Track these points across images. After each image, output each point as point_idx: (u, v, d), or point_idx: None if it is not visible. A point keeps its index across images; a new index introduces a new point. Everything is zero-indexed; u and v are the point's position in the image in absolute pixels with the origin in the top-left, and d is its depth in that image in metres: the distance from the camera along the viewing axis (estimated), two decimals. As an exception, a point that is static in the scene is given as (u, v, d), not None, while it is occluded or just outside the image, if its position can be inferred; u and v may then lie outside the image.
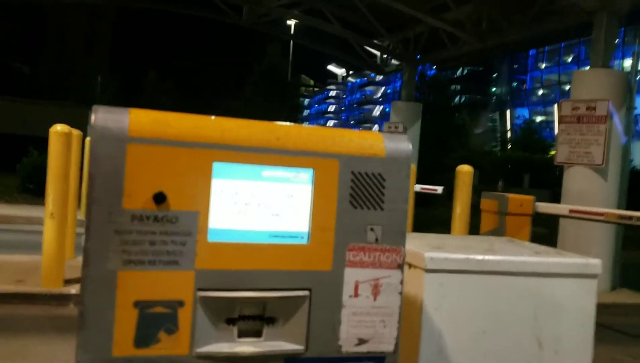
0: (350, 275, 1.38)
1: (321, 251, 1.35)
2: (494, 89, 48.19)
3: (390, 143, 1.42)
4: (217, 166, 1.27)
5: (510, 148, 33.59)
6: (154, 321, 1.23)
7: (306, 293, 1.34)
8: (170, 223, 1.24)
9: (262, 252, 1.31)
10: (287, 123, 1.37)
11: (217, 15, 12.07)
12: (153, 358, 1.24)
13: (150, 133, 1.23)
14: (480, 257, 1.99)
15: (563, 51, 39.20)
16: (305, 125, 1.40)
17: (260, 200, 1.32)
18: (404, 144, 1.43)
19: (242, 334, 1.33)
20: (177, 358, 1.25)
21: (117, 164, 1.20)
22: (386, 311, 1.41)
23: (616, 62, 15.60)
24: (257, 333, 1.34)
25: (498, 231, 6.72)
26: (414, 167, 8.29)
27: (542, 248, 2.48)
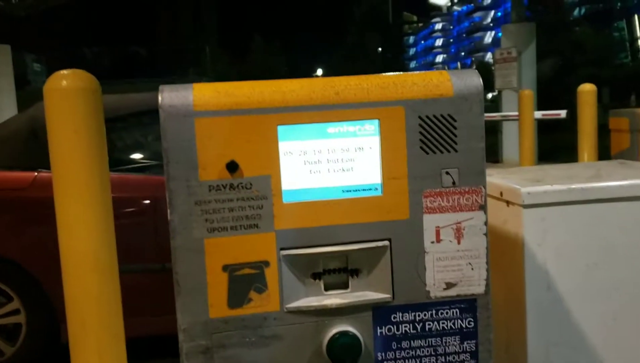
0: (430, 221, 1.36)
1: (397, 201, 1.34)
2: (619, -6, 43.59)
3: (458, 80, 1.36)
4: (281, 129, 1.30)
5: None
6: (244, 282, 1.31)
7: (385, 243, 1.35)
8: (246, 189, 1.30)
9: (338, 207, 1.33)
10: (347, 76, 1.36)
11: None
12: (247, 317, 1.32)
13: (214, 105, 1.27)
14: (583, 186, 1.86)
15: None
16: (366, 75, 1.37)
17: (329, 157, 1.33)
18: (474, 79, 1.37)
19: (328, 287, 1.37)
20: (269, 315, 1.33)
21: (188, 139, 1.26)
22: (472, 254, 1.38)
23: None
24: (343, 286, 1.38)
25: (630, 152, 6.23)
26: (531, 93, 7.83)
27: (661, 167, 2.26)
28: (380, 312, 1.36)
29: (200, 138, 1.27)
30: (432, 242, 1.36)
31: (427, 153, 1.34)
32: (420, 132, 1.34)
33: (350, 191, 1.34)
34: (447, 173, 1.36)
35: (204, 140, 1.27)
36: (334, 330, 1.34)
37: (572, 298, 1.87)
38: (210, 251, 1.29)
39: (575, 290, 1.87)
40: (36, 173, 3.14)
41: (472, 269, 1.38)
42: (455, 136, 1.35)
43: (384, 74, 1.37)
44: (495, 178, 2.06)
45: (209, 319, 1.31)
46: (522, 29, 12.23)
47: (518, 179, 1.99)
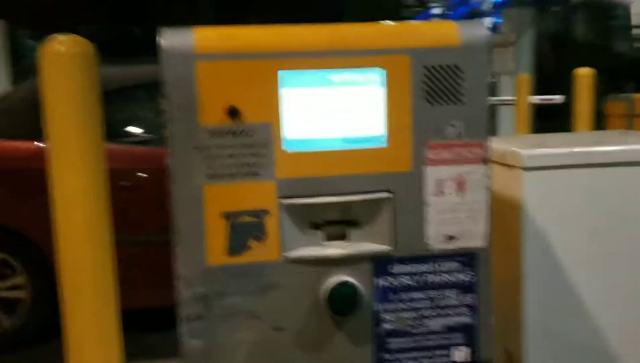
0: (432, 173, 1.34)
1: (399, 152, 1.33)
2: (618, -18, 43.48)
3: (465, 31, 1.33)
4: (283, 75, 1.27)
5: (640, 45, 30.39)
6: (243, 230, 1.29)
7: (387, 195, 1.33)
8: (246, 136, 1.27)
9: (340, 158, 1.32)
10: (352, 23, 1.33)
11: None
12: (246, 265, 1.30)
13: (215, 49, 1.25)
14: (585, 149, 1.85)
15: None
16: (372, 22, 1.35)
17: (331, 106, 1.31)
18: (481, 30, 1.34)
19: (328, 238, 1.36)
20: (268, 264, 1.31)
21: (189, 83, 1.24)
22: (473, 207, 1.37)
23: None
24: (343, 237, 1.36)
25: (626, 135, 6.19)
26: (528, 77, 7.80)
27: (662, 136, 2.25)
28: (379, 263, 1.35)
29: (201, 82, 1.24)
30: (434, 194, 1.35)
31: (432, 104, 1.32)
32: (425, 83, 1.32)
33: (353, 141, 1.32)
34: (452, 124, 1.34)
35: (204, 84, 1.25)
36: (333, 281, 1.33)
37: (570, 263, 1.87)
38: (209, 198, 1.27)
39: (573, 255, 1.87)
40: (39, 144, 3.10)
41: (473, 222, 1.37)
42: (461, 87, 1.33)
43: (389, 22, 1.35)
44: (495, 142, 2.04)
45: (207, 267, 1.29)
46: (522, 13, 12.16)
47: (519, 143, 1.98)
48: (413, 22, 1.36)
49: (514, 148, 1.87)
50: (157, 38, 1.25)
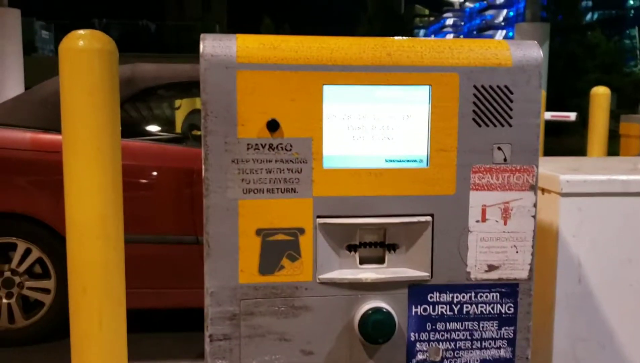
0: (476, 199, 1.28)
1: (443, 175, 1.27)
2: (631, 2, 43.32)
3: (518, 51, 1.27)
4: (327, 89, 1.22)
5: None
6: (277, 248, 1.23)
7: (428, 218, 1.27)
8: (285, 151, 1.22)
9: (380, 177, 1.25)
10: (401, 38, 1.27)
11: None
12: (278, 285, 1.24)
13: (258, 58, 1.19)
14: (623, 177, 1.79)
15: None
16: (420, 38, 1.29)
17: (375, 123, 1.25)
18: (534, 51, 1.28)
19: (364, 261, 1.30)
20: (301, 285, 1.25)
21: (229, 93, 1.18)
22: (518, 236, 1.30)
23: None
24: (380, 260, 1.30)
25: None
26: (543, 93, 7.73)
27: (699, 166, 2.19)
28: (416, 290, 1.29)
29: (241, 92, 1.19)
30: (477, 221, 1.29)
31: (480, 126, 1.26)
32: (475, 103, 1.26)
33: (394, 161, 1.26)
34: (499, 148, 1.28)
35: (245, 95, 1.19)
36: (368, 306, 1.27)
37: (602, 294, 1.80)
38: (244, 213, 1.21)
39: (606, 285, 1.80)
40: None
41: (517, 252, 1.31)
42: (511, 109, 1.27)
43: (439, 38, 1.29)
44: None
45: (238, 284, 1.23)
46: (536, 29, 12.11)
47: (555, 167, 1.91)
48: (463, 40, 1.30)
49: (551, 172, 1.81)
50: (199, 44, 1.19)
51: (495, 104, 1.26)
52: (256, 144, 1.21)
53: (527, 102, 1.27)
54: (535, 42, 1.32)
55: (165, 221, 2.93)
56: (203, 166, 1.20)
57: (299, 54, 1.21)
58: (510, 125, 1.27)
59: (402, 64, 1.24)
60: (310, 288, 1.26)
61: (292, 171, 1.22)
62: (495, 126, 1.27)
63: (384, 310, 1.27)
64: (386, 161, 1.26)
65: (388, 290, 1.29)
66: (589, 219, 1.78)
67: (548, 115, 9.09)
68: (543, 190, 1.85)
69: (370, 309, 1.27)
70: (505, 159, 1.28)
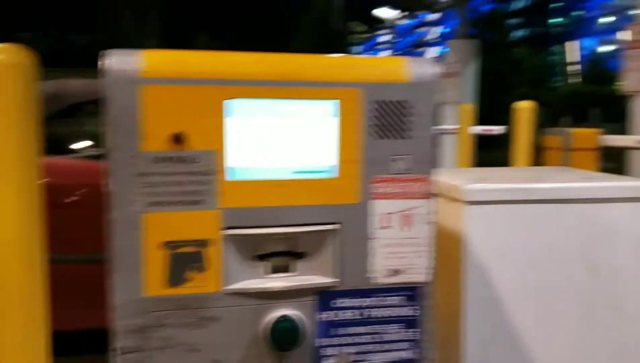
0: (379, 207, 1.34)
1: (348, 185, 1.32)
2: (555, 21, 45.71)
3: (415, 67, 1.35)
4: (230, 103, 1.25)
5: (578, 81, 31.96)
6: (183, 260, 1.25)
7: (335, 227, 1.32)
8: (190, 163, 1.24)
9: (287, 188, 1.30)
10: (305, 54, 1.33)
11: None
12: (185, 297, 1.26)
13: (162, 73, 1.21)
14: (526, 186, 1.90)
15: (630, -28, 36.45)
16: (325, 54, 1.35)
17: (280, 136, 1.29)
18: (430, 68, 1.36)
19: (272, 270, 1.33)
20: (208, 296, 1.27)
21: (132, 107, 1.20)
22: (418, 242, 1.37)
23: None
24: (288, 269, 1.34)
25: (562, 168, 6.45)
26: (471, 107, 8.06)
27: (597, 174, 2.35)
28: (324, 297, 1.33)
29: (146, 107, 1.20)
30: (380, 228, 1.35)
31: (381, 138, 1.33)
32: (376, 117, 1.32)
33: (302, 171, 1.31)
34: (398, 159, 1.34)
35: (150, 109, 1.21)
36: (275, 315, 1.30)
37: (509, 297, 1.91)
38: (149, 226, 1.23)
39: (512, 289, 1.91)
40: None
41: (418, 257, 1.38)
42: (409, 122, 1.34)
43: (342, 55, 1.35)
44: (440, 175, 2.07)
45: (146, 297, 1.24)
46: (466, 45, 12.56)
47: (462, 177, 2.02)
48: (365, 56, 1.37)
49: (456, 182, 1.91)
50: (101, 58, 1.20)
51: (394, 118, 1.33)
52: (161, 158, 1.22)
53: (423, 116, 1.35)
54: (432, 59, 1.40)
55: (97, 239, 2.86)
56: (109, 181, 1.21)
57: (203, 68, 1.24)
58: (409, 137, 1.34)
59: (307, 79, 1.29)
60: (218, 299, 1.28)
61: (197, 184, 1.25)
62: (395, 138, 1.34)
63: (291, 317, 1.30)
64: (293, 172, 1.31)
65: (296, 298, 1.32)
66: (494, 226, 1.89)
67: (478, 129, 9.45)
68: (451, 199, 1.94)
69: (277, 318, 1.30)
70: (404, 170, 1.35)
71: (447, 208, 1.94)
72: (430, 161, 1.37)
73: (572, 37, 41.47)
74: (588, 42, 39.88)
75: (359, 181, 1.32)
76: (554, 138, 6.96)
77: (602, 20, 40.12)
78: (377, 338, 1.37)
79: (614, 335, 1.98)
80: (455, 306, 1.88)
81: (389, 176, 1.34)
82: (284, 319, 1.30)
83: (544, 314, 1.94)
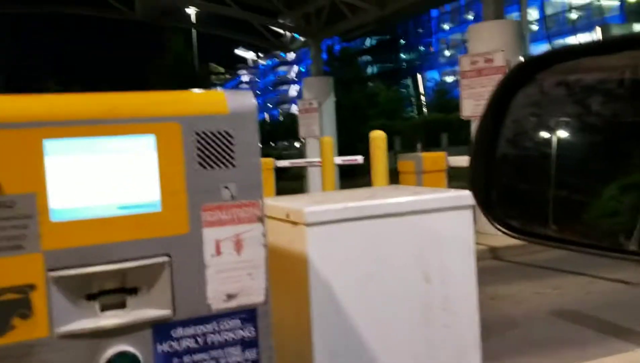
0: (210, 235, 1.39)
1: (175, 216, 1.36)
2: (403, 56, 49.16)
3: (233, 99, 1.43)
4: (48, 144, 1.24)
5: (426, 111, 34.44)
6: (5, 308, 1.21)
7: (165, 259, 1.34)
8: (7, 208, 1.21)
9: (113, 225, 1.30)
10: (123, 92, 1.36)
11: (109, 13, 11.63)
12: (10, 346, 1.21)
13: (-31, 118, 1.18)
14: (358, 204, 2.05)
15: (464, 9, 40.39)
16: (144, 91, 1.39)
17: (102, 173, 1.31)
18: (248, 99, 1.45)
19: (105, 308, 1.32)
20: (37, 342, 1.23)
21: None
22: (252, 264, 1.44)
23: (514, 14, 16.13)
24: (122, 305, 1.34)
25: (415, 190, 6.89)
26: (331, 140, 8.43)
27: (425, 188, 2.59)
28: (160, 329, 1.35)
29: None
30: (212, 255, 1.39)
31: (206, 168, 1.38)
32: (198, 148, 1.38)
33: (126, 207, 1.32)
34: (226, 187, 1.41)
35: None
36: (111, 352, 1.29)
37: (351, 309, 2.02)
38: None
39: (354, 301, 2.03)
40: None
41: (252, 279, 1.43)
42: (233, 151, 1.41)
43: (161, 91, 1.40)
44: (282, 201, 2.17)
45: None
46: (321, 82, 13.11)
47: (303, 201, 2.13)
48: (184, 91, 1.42)
49: (297, 206, 2.01)
50: None
51: (217, 148, 1.40)
52: (-27, 204, 1.18)
53: (246, 144, 1.43)
54: (250, 92, 1.49)
55: None
56: None
57: (17, 111, 1.23)
58: (233, 165, 1.41)
59: (125, 116, 1.32)
60: (48, 343, 1.24)
61: (16, 228, 1.22)
62: (220, 167, 1.40)
63: (129, 353, 1.30)
64: (118, 208, 1.32)
65: (132, 333, 1.32)
66: (333, 244, 2.01)
67: (339, 160, 9.86)
68: (293, 223, 2.04)
69: (113, 354, 1.29)
70: (232, 196, 1.41)
71: (291, 231, 2.04)
72: (257, 187, 1.45)
73: (420, 70, 44.82)
74: (434, 74, 43.34)
75: (185, 211, 1.36)
76: (407, 163, 7.45)
77: (446, 53, 43.85)
78: (218, 362, 1.40)
79: (451, 334, 2.17)
80: (304, 322, 1.96)
81: (218, 203, 1.40)
82: (121, 355, 1.29)
83: (386, 321, 2.07)
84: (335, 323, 1.98)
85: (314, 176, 12.20)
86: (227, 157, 1.41)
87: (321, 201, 2.13)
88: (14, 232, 1.21)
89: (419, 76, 44.03)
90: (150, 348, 1.34)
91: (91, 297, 1.31)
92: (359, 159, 10.42)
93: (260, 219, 1.45)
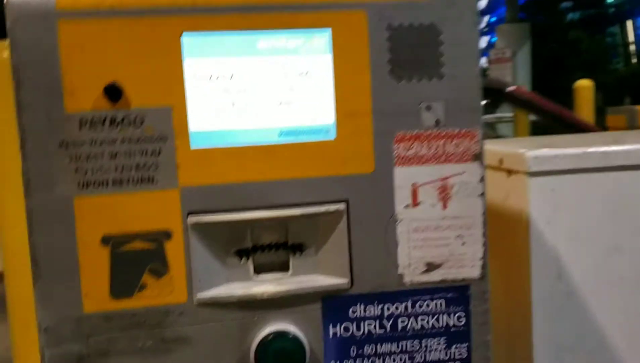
0: (404, 177, 0.96)
1: (356, 147, 0.95)
2: (610, 1, 43.71)
3: (443, -21, 0.96)
4: (188, 40, 0.90)
5: (635, 61, 30.35)
6: (134, 261, 0.91)
7: (341, 206, 0.95)
8: (134, 127, 0.90)
9: (272, 156, 0.94)
10: (288, -29, 0.96)
11: None
12: (139, 311, 0.92)
13: (87, 3, 0.87)
14: (603, 149, 1.48)
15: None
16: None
17: (259, 84, 0.94)
18: (465, -21, 0.97)
19: (260, 269, 0.97)
20: (173, 308, 0.93)
21: (49, 51, 0.87)
22: (464, 223, 0.98)
23: None
24: (283, 267, 0.98)
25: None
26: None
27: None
28: (333, 304, 0.96)
29: (66, 50, 0.87)
30: (407, 206, 0.97)
31: (401, 79, 0.95)
32: (390, 50, 0.94)
33: (291, 133, 0.95)
34: (429, 107, 0.96)
35: (72, 53, 0.87)
36: (267, 331, 0.94)
37: (588, 290, 1.49)
38: (83, 216, 0.89)
39: (592, 280, 1.48)
40: None
41: (463, 244, 0.99)
42: (441, 55, 0.95)
43: None
44: (492, 144, 1.67)
45: (83, 314, 0.90)
46: (517, 29, 12.07)
47: (522, 144, 1.60)
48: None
49: (516, 149, 1.50)
50: (3, -11, 0.88)
51: (418, 50, 0.95)
52: (92, 120, 0.88)
53: (461, 45, 0.96)
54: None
55: None
56: (20, 154, 0.88)
57: (148, -5, 0.90)
58: (440, 76, 0.96)
59: (289, 2, 0.92)
60: (186, 312, 0.93)
61: (146, 154, 0.90)
62: (420, 79, 0.96)
63: (289, 334, 0.94)
64: (280, 134, 0.94)
65: (294, 307, 0.96)
66: (565, 202, 1.46)
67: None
68: (509, 171, 1.53)
69: (270, 334, 0.94)
70: (437, 122, 0.97)
71: (506, 183, 1.54)
72: (475, 109, 0.98)
73: (630, 16, 39.48)
74: (647, 19, 37.89)
75: (370, 141, 0.95)
76: (618, 117, 6.53)
77: (662, -5, 38.00)
78: (412, 358, 0.99)
79: None
80: (523, 304, 1.47)
81: (417, 132, 0.96)
82: (281, 336, 0.94)
83: (631, 312, 1.51)
84: (565, 308, 1.47)
85: (503, 133, 11.26)
86: (433, 63, 0.96)
87: (549, 144, 1.58)
88: (143, 159, 0.90)
89: (628, 23, 38.81)
90: (319, 330, 0.96)
91: (242, 253, 0.96)
92: (558, 113, 9.33)
93: (478, 158, 0.99)
